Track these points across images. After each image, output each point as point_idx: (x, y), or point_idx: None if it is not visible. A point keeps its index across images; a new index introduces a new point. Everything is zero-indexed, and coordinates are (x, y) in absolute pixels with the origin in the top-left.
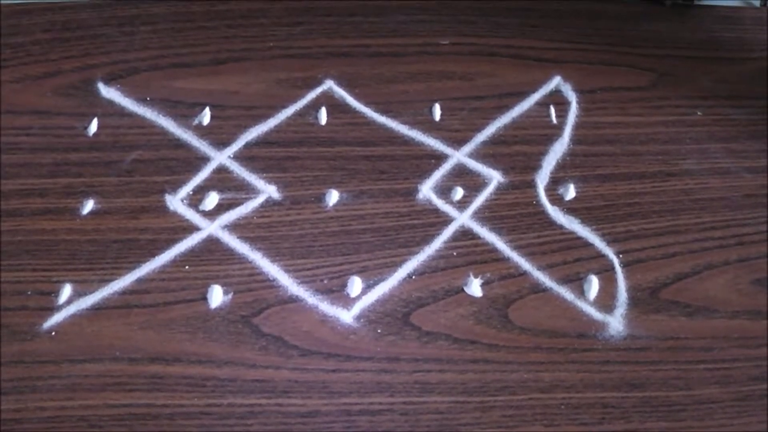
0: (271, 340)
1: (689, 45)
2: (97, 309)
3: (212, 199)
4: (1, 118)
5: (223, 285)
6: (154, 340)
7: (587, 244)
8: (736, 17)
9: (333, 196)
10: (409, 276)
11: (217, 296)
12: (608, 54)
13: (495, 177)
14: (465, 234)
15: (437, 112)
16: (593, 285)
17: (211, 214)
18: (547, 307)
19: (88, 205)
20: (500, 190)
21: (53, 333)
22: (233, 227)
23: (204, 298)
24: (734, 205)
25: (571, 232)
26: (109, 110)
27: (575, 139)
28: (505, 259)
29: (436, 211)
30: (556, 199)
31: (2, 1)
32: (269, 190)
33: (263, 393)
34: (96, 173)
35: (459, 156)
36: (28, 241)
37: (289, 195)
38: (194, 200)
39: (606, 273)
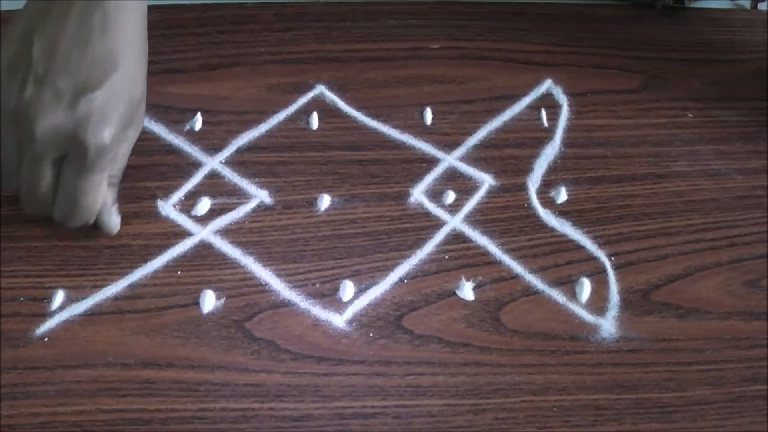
0: (263, 345)
1: (679, 47)
2: (89, 315)
3: (204, 205)
4: None
5: (215, 290)
6: (146, 346)
7: (579, 247)
8: (726, 19)
9: (325, 201)
10: (401, 280)
11: (209, 301)
12: (598, 57)
13: (486, 180)
14: (457, 237)
15: (428, 116)
16: (585, 287)
17: (203, 220)
18: (539, 310)
19: None
20: (492, 193)
21: (46, 339)
22: (225, 232)
23: (196, 303)
24: (725, 207)
25: (563, 235)
26: None
27: (566, 142)
28: (497, 262)
29: (427, 214)
30: (548, 202)
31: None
32: (261, 195)
33: (256, 397)
34: None
35: (450, 160)
36: (20, 248)
37: (280, 200)
38: (186, 206)
39: (598, 275)
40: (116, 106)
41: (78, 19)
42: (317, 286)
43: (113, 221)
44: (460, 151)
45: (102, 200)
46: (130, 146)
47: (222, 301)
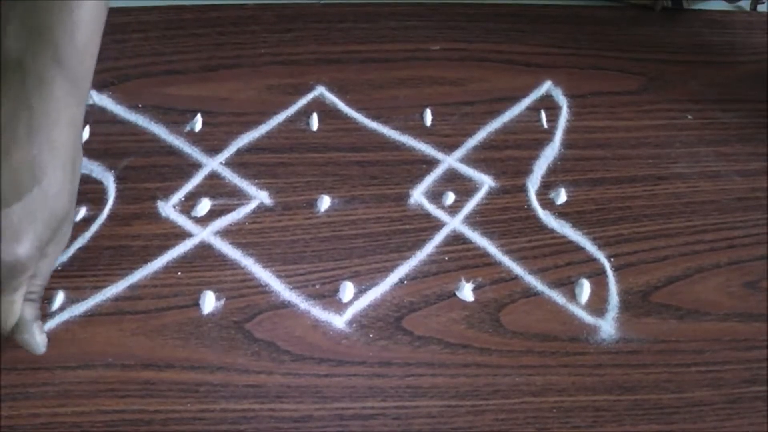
0: (263, 346)
1: (679, 49)
2: (89, 316)
3: (204, 206)
4: None
5: (215, 291)
6: (146, 347)
7: (578, 248)
8: (725, 21)
9: (324, 202)
10: (401, 281)
11: (209, 302)
12: (598, 58)
13: (486, 182)
14: (456, 239)
15: (428, 117)
16: (585, 289)
17: (203, 221)
18: (539, 311)
19: (81, 212)
20: (492, 194)
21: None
22: (225, 233)
23: (196, 304)
24: (725, 208)
25: (563, 236)
26: (101, 117)
27: (566, 144)
28: (497, 264)
29: (427, 216)
30: (548, 204)
31: None
32: (261, 196)
33: (256, 398)
34: (88, 180)
35: (450, 161)
36: None
37: (280, 201)
38: (186, 207)
39: (597, 277)
40: (34, 223)
41: (2, 125)
42: (317, 287)
43: (35, 340)
44: (460, 152)
45: (14, 318)
46: (53, 262)
47: (222, 302)
